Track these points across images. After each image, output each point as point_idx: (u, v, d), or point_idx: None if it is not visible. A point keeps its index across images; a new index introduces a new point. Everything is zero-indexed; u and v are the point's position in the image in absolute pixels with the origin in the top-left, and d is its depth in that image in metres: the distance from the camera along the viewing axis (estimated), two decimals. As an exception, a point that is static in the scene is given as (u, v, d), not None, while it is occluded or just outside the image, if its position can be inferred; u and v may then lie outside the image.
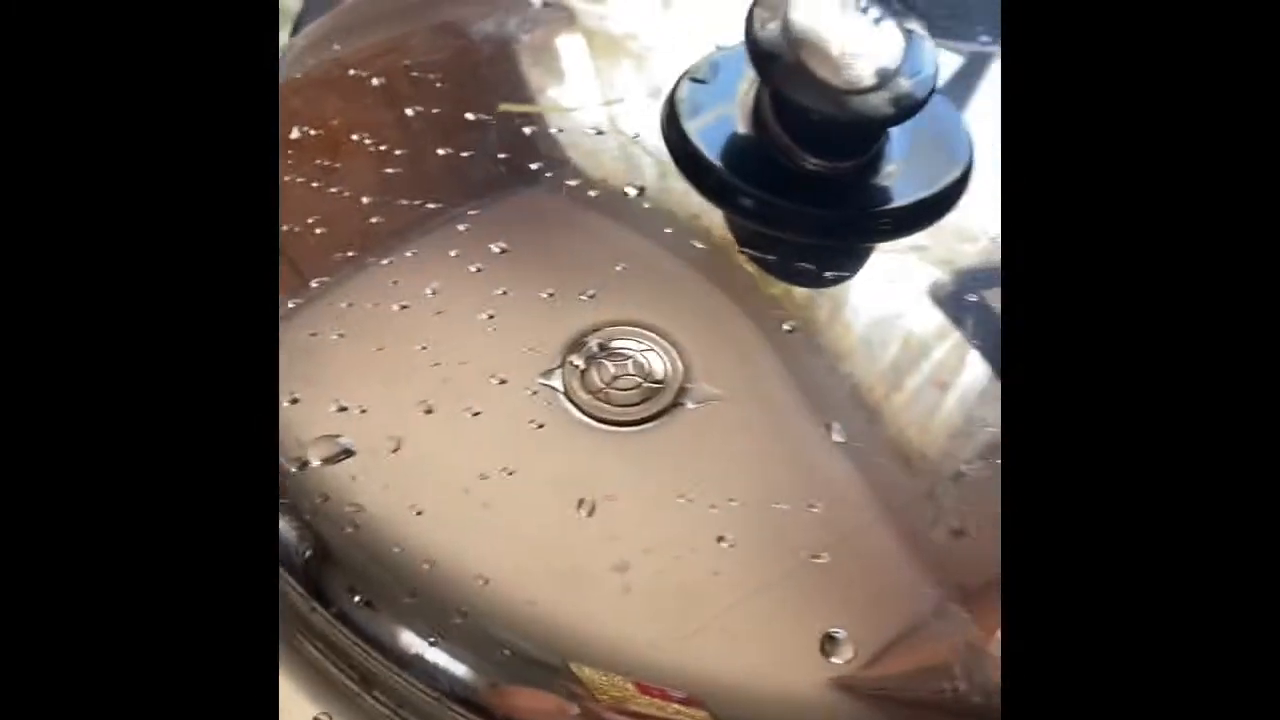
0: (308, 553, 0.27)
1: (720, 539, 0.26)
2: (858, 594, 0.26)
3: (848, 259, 0.34)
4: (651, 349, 0.30)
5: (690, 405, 0.29)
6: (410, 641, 0.26)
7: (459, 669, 0.26)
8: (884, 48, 0.32)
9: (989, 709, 0.25)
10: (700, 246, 0.33)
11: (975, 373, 0.31)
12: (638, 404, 0.29)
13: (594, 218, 0.34)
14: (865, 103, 0.31)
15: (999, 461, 0.28)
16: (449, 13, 0.42)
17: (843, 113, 0.31)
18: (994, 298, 0.33)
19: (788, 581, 0.26)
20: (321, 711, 0.27)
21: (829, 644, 0.25)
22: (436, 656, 0.26)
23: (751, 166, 0.34)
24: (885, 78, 0.32)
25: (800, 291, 0.33)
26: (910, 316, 0.32)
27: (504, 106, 0.37)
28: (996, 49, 0.45)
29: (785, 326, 0.31)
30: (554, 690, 0.25)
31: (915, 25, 0.33)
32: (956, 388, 0.31)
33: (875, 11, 0.33)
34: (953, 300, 0.33)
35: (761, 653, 0.26)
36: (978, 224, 0.35)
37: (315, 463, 0.27)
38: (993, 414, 0.30)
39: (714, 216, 0.34)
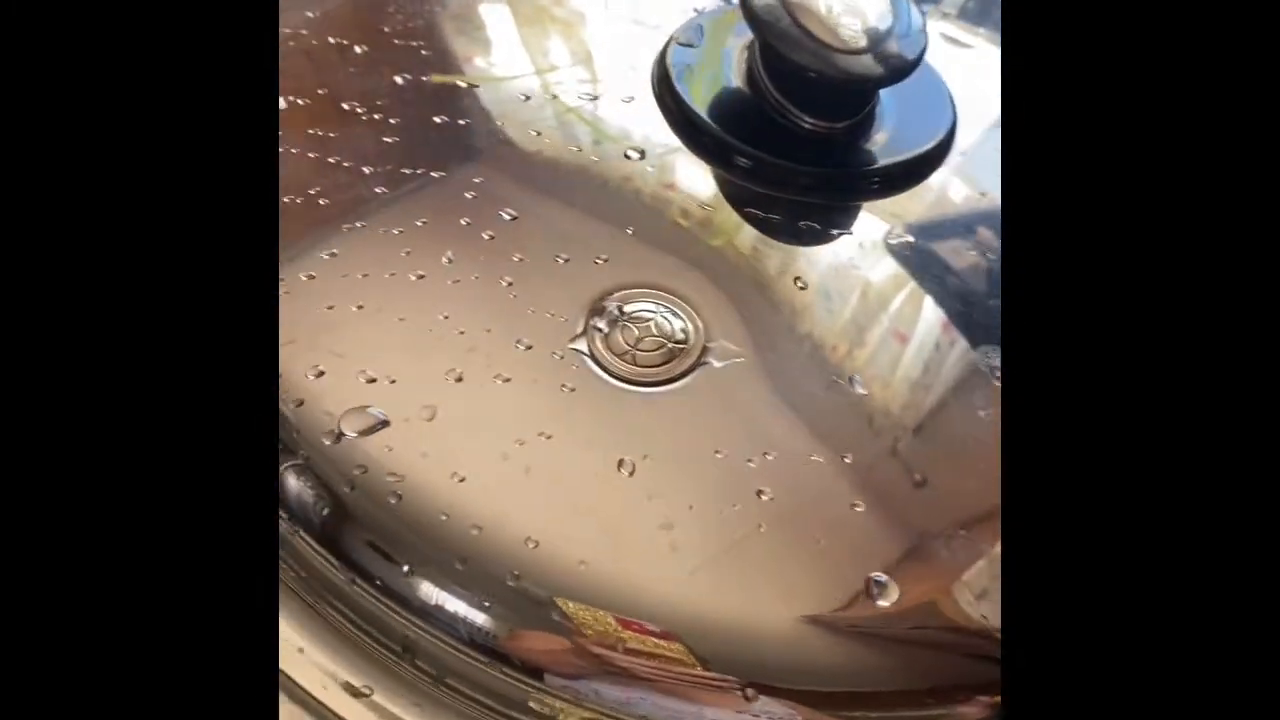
0: (340, 522, 0.27)
1: (760, 493, 0.27)
2: (896, 538, 0.27)
3: (845, 215, 0.34)
4: (670, 310, 0.30)
5: (715, 363, 0.29)
6: (458, 608, 0.26)
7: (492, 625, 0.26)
8: (876, 10, 0.33)
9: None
10: (705, 208, 0.33)
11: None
12: (663, 364, 0.29)
13: (598, 182, 0.34)
14: (859, 63, 0.32)
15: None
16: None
17: (836, 72, 0.32)
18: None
19: (832, 532, 0.27)
20: (364, 684, 0.27)
21: (875, 588, 0.26)
22: (487, 622, 0.26)
23: (747, 127, 0.34)
24: (876, 39, 0.32)
25: (807, 250, 0.33)
26: (911, 269, 0.33)
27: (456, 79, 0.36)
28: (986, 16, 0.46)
29: (798, 283, 0.32)
30: (606, 644, 0.26)
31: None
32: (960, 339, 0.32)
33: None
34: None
35: (810, 601, 0.26)
36: (969, 185, 0.36)
37: (351, 434, 0.27)
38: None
39: (712, 177, 0.34)
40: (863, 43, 0.33)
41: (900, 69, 0.33)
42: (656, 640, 0.26)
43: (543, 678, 0.26)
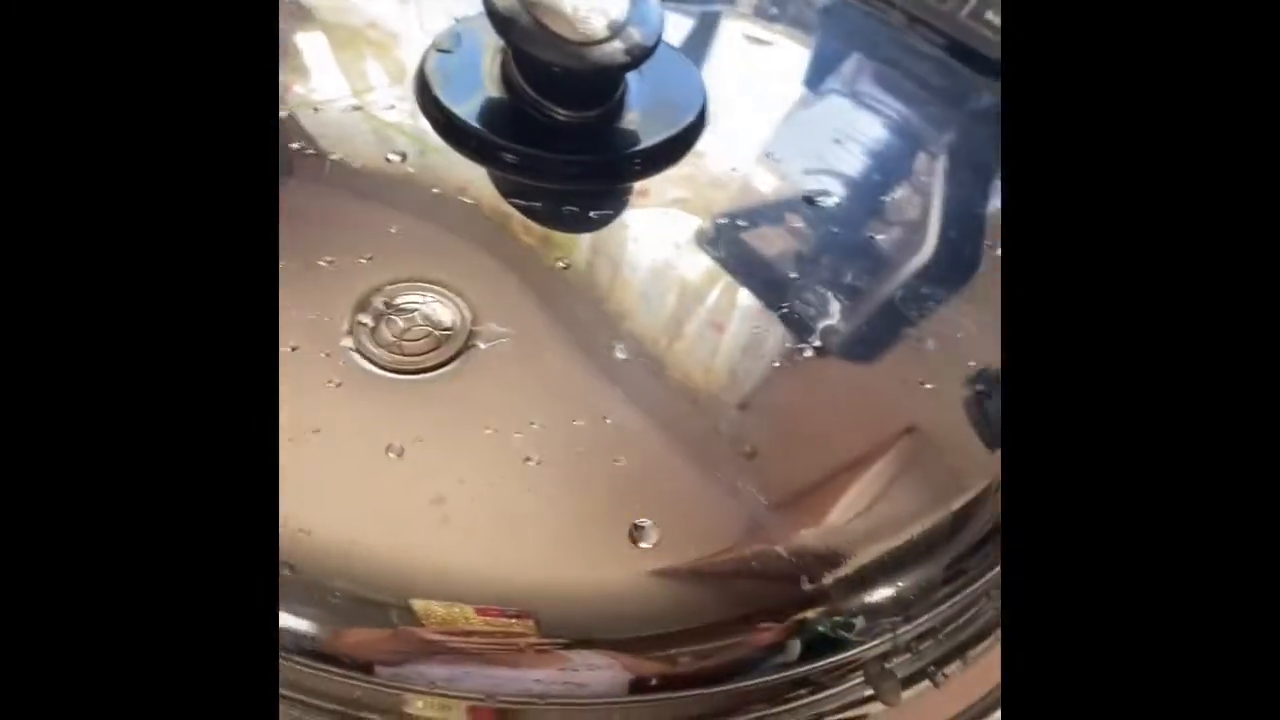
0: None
1: (527, 459, 0.28)
2: (655, 487, 0.29)
3: (608, 199, 0.36)
4: (437, 300, 0.31)
5: (482, 346, 0.31)
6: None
7: (296, 623, 0.27)
8: (613, 2, 0.35)
9: (790, 565, 0.28)
10: (469, 202, 0.35)
11: (746, 294, 0.35)
12: (431, 350, 0.30)
13: (362, 188, 0.35)
14: (601, 52, 0.34)
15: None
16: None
17: (581, 63, 0.34)
18: (751, 225, 0.36)
19: (593, 486, 0.29)
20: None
21: (637, 532, 0.28)
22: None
23: (506, 124, 0.36)
24: (616, 29, 0.34)
25: (570, 234, 0.35)
26: (671, 243, 0.35)
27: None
28: (721, 7, 0.49)
29: (560, 264, 0.33)
30: (390, 624, 0.27)
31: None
32: (734, 312, 0.34)
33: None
34: (714, 231, 0.36)
35: (576, 552, 0.28)
36: (725, 163, 0.38)
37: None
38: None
39: (479, 174, 0.36)
40: (603, 33, 0.35)
41: (641, 54, 0.35)
42: (451, 612, 0.27)
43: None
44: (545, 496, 0.28)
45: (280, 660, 0.27)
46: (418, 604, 0.27)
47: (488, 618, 0.27)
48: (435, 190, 0.35)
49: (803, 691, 0.30)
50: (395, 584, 0.27)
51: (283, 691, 0.27)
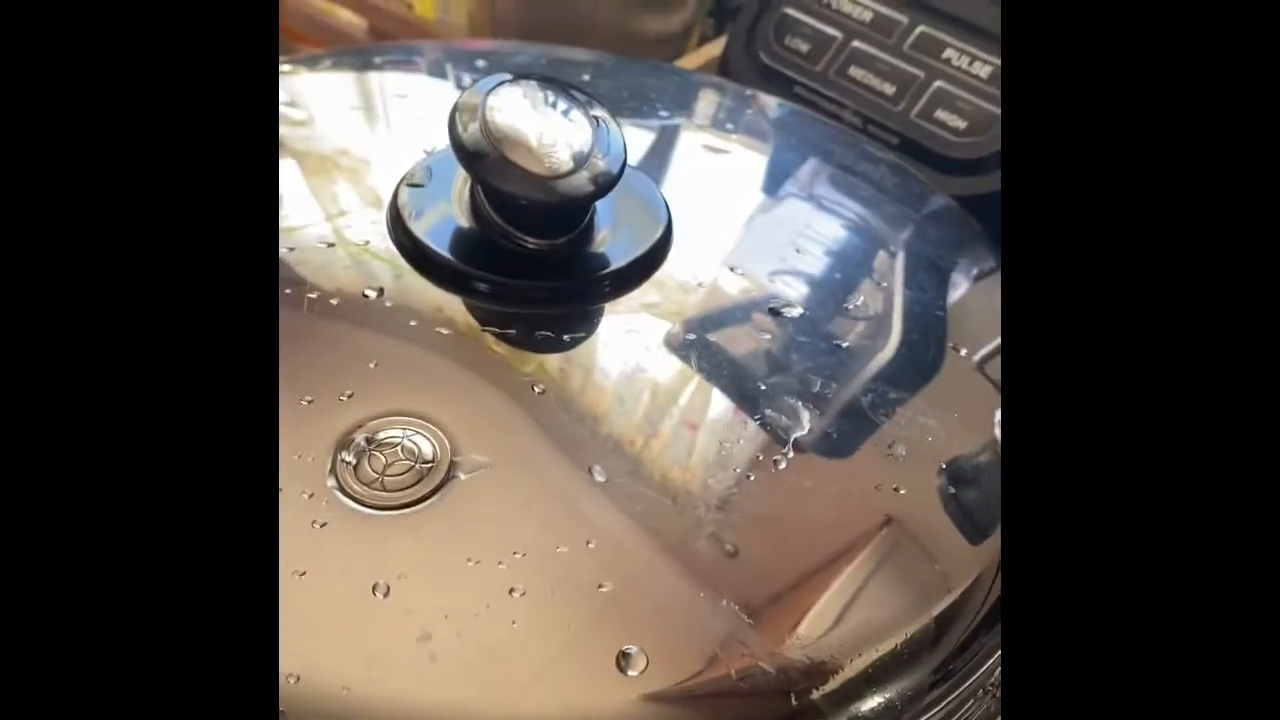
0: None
1: (511, 590, 0.29)
2: (640, 609, 0.29)
3: (580, 321, 0.37)
4: (417, 432, 0.32)
5: (463, 476, 0.31)
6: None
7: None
8: (576, 135, 0.36)
9: (780, 685, 0.29)
10: (445, 333, 0.36)
11: (717, 407, 0.36)
12: (413, 485, 0.31)
13: (340, 324, 0.36)
14: (568, 184, 0.36)
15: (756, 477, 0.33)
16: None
17: (549, 196, 0.35)
18: (720, 338, 0.38)
19: (577, 614, 0.29)
20: None
21: (623, 660, 0.28)
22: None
23: (478, 254, 0.37)
24: (581, 160, 0.36)
25: (545, 358, 0.36)
26: (644, 362, 0.36)
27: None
28: (678, 121, 0.51)
29: (537, 389, 0.34)
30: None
31: (601, 112, 0.37)
32: (705, 425, 0.35)
33: (564, 104, 0.37)
34: (683, 345, 0.37)
35: (564, 683, 0.28)
36: (690, 275, 0.40)
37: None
38: (743, 439, 0.34)
39: (453, 304, 0.37)
40: (568, 165, 0.36)
41: (607, 183, 0.36)
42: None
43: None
44: (530, 628, 0.28)
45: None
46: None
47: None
48: (412, 322, 0.36)
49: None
50: (386, 726, 0.27)
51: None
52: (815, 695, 0.29)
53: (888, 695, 0.30)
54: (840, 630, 0.30)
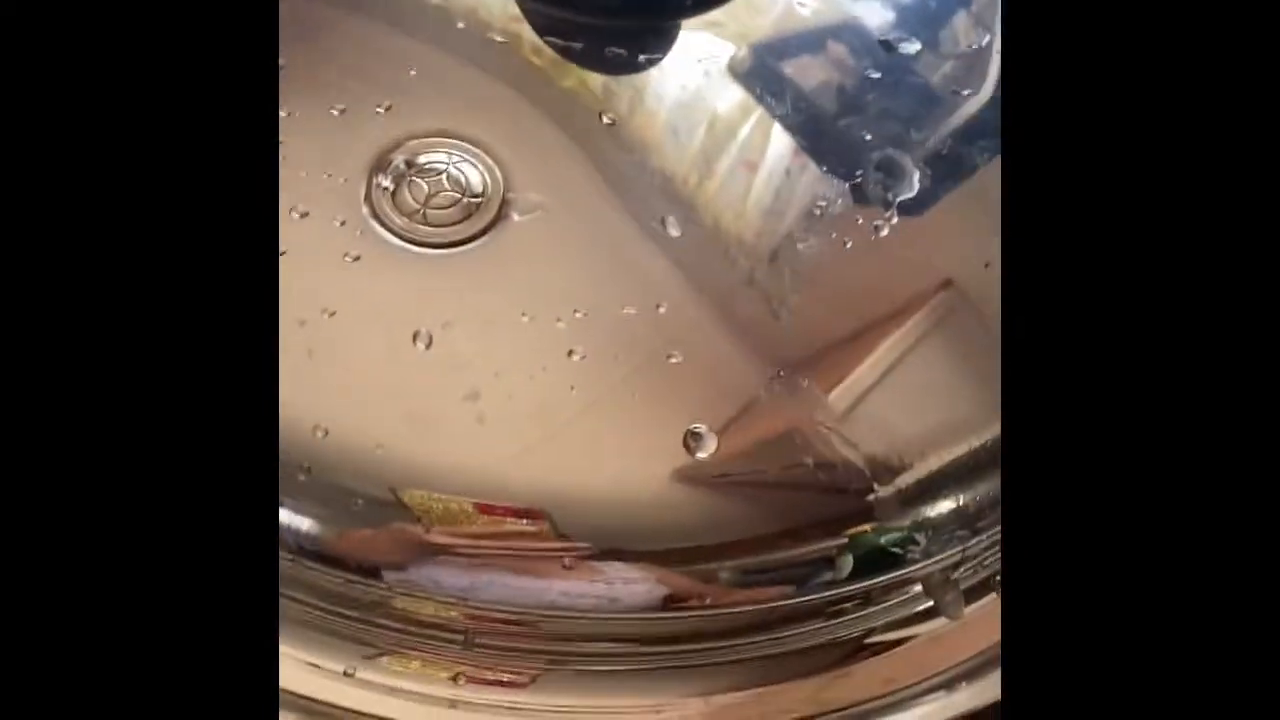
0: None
1: (570, 352, 0.25)
2: (715, 389, 0.26)
3: (658, 38, 0.31)
4: (465, 160, 0.27)
5: (517, 217, 0.27)
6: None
7: (312, 526, 0.24)
8: None
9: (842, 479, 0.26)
10: (499, 40, 0.30)
11: (780, 148, 0.30)
12: (459, 222, 0.27)
13: (373, 20, 0.30)
14: None
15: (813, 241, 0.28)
16: None
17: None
18: (791, 68, 0.32)
19: (643, 385, 0.25)
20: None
21: (692, 440, 0.25)
22: (286, 518, 0.24)
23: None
24: None
25: (615, 80, 0.30)
26: (734, 94, 0.30)
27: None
28: None
29: (606, 119, 0.29)
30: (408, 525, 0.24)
31: None
32: (764, 166, 0.30)
33: None
34: (753, 75, 0.31)
35: (626, 462, 0.25)
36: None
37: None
38: (801, 188, 0.29)
39: (509, 7, 0.31)
40: None
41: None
42: (489, 517, 0.24)
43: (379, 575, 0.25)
44: (590, 397, 0.25)
45: (299, 565, 0.24)
46: (453, 505, 0.24)
47: (492, 516, 0.24)
48: (460, 24, 0.30)
49: (848, 605, 0.28)
50: (428, 486, 0.24)
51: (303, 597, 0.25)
52: (889, 492, 0.26)
53: (961, 500, 0.28)
54: (919, 429, 0.27)
